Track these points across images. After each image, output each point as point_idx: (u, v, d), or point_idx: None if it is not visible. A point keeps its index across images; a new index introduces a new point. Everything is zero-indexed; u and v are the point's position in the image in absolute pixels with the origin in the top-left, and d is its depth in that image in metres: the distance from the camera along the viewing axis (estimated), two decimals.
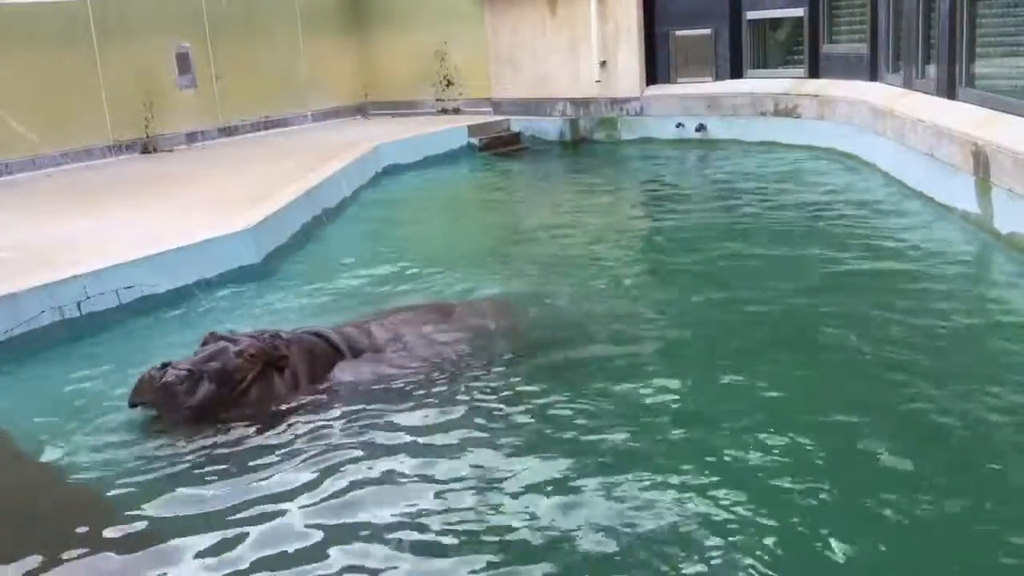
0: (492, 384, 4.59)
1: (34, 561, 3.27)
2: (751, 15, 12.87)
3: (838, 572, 3.01)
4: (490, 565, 3.13)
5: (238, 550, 3.28)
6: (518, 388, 4.54)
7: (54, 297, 5.72)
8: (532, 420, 4.21)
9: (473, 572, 3.10)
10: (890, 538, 3.16)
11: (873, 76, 11.11)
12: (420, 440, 4.05)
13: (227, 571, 3.18)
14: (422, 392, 4.52)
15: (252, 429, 4.24)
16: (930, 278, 6.23)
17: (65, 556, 3.29)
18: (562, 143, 13.86)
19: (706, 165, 11.85)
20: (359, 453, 3.96)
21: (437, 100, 15.39)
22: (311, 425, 4.25)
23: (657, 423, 4.13)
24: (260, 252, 7.06)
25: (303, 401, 4.48)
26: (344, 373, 4.68)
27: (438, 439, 4.05)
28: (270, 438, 4.17)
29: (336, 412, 4.36)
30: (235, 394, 4.37)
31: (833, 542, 3.13)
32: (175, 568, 3.21)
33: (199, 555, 3.27)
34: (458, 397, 4.45)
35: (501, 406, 4.35)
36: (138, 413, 4.34)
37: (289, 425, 4.27)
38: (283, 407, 4.44)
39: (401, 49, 15.51)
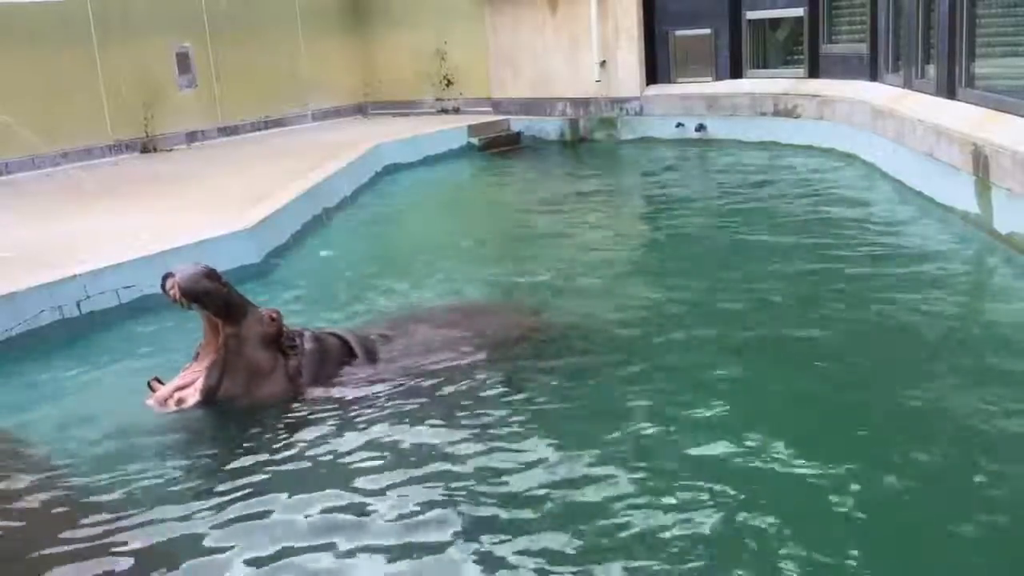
0: (503, 392, 4.48)
1: (33, 560, 3.27)
2: (751, 15, 12.87)
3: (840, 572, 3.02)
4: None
5: (230, 547, 3.29)
6: (531, 395, 4.45)
7: (54, 296, 5.72)
8: (542, 431, 4.08)
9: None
10: (879, 537, 3.17)
11: (873, 76, 11.11)
12: (409, 448, 3.96)
13: (218, 567, 3.19)
14: (427, 401, 4.41)
15: (244, 425, 4.25)
16: (930, 278, 6.23)
17: (64, 554, 3.29)
18: (562, 143, 13.87)
19: (706, 165, 11.85)
20: (335, 456, 3.93)
21: (437, 100, 15.39)
22: (299, 423, 4.25)
23: (666, 428, 4.09)
24: (260, 252, 7.06)
25: (301, 397, 4.46)
26: (348, 377, 4.64)
27: (430, 446, 3.96)
28: (261, 436, 4.16)
29: (327, 414, 4.32)
30: (236, 338, 4.34)
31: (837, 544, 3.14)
32: (171, 565, 3.21)
33: (193, 552, 3.27)
34: (465, 406, 4.34)
35: (510, 415, 4.25)
36: (134, 414, 4.35)
37: (283, 422, 4.27)
38: (278, 400, 4.42)
39: (401, 48, 15.52)
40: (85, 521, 3.52)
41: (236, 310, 4.38)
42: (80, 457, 4.07)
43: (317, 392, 4.51)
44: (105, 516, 3.55)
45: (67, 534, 3.44)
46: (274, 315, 4.53)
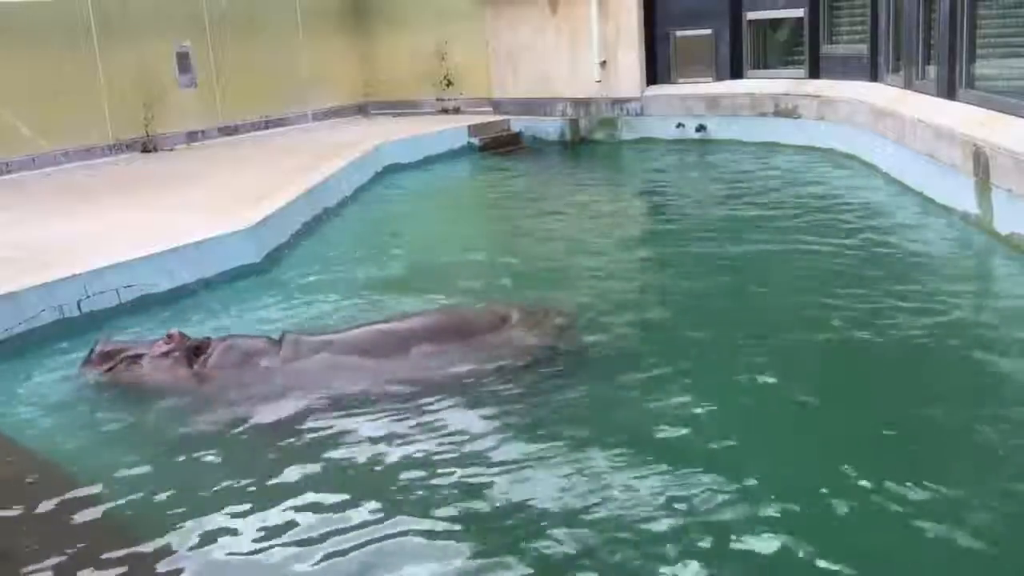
0: (427, 404, 4.35)
1: (32, 558, 3.29)
2: (751, 15, 12.88)
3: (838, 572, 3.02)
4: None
5: (223, 543, 3.33)
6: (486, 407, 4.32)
7: (54, 296, 5.72)
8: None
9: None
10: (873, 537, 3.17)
11: (873, 77, 11.12)
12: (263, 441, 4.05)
13: (207, 562, 3.23)
14: (321, 407, 4.37)
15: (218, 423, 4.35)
16: (930, 279, 6.24)
17: (63, 552, 3.31)
18: (562, 143, 13.87)
19: (706, 166, 11.85)
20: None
21: (437, 100, 15.40)
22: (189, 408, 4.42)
23: (670, 431, 4.08)
24: (260, 251, 7.07)
25: (200, 391, 4.59)
26: (254, 372, 4.69)
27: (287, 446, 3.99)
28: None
29: (216, 412, 4.40)
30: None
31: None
32: (169, 562, 3.23)
33: (189, 550, 3.30)
34: (362, 414, 4.29)
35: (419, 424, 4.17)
36: (133, 414, 4.41)
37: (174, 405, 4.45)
38: (179, 392, 4.58)
39: (401, 48, 15.52)
40: (82, 517, 3.55)
41: (137, 349, 4.84)
42: (78, 454, 4.09)
43: (211, 379, 4.62)
44: (101, 512, 3.58)
45: (64, 531, 3.46)
46: (171, 333, 4.91)
